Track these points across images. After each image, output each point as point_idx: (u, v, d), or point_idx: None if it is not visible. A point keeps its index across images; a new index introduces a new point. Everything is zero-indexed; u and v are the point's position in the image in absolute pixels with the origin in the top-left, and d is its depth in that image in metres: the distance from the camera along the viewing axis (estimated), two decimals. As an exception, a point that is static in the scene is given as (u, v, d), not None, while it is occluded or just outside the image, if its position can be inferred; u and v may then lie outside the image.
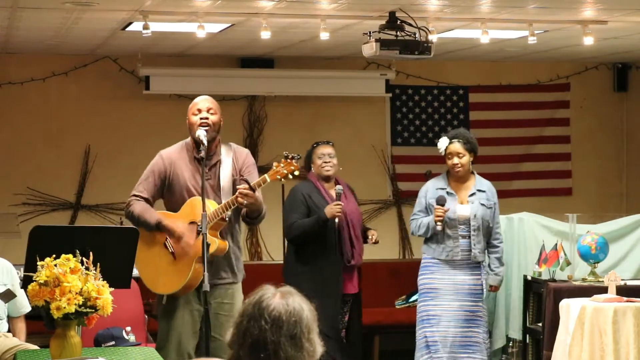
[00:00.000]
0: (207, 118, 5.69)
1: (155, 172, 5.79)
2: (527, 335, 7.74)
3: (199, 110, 5.72)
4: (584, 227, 7.73)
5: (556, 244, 7.40)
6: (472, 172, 7.28)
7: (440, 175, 7.32)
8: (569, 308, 6.90)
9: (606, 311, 6.72)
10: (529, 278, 7.67)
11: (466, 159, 7.15)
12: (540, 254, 7.45)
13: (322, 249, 7.13)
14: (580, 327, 6.76)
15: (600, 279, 7.21)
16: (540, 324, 7.46)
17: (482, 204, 7.16)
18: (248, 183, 5.47)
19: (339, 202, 7.02)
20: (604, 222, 7.97)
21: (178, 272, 5.63)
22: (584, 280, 7.38)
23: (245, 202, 5.48)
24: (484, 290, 7.20)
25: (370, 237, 7.35)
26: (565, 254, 7.42)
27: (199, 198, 5.59)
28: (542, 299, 7.43)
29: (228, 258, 5.73)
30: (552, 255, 7.36)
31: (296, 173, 5.53)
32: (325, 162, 7.26)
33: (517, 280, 7.85)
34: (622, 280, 6.98)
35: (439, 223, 7.01)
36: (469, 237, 7.11)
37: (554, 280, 7.40)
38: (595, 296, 6.91)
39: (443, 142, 7.21)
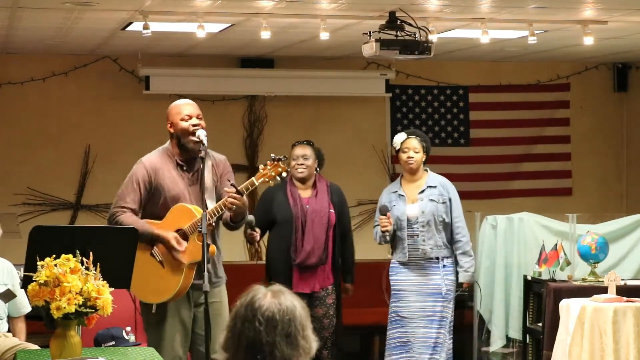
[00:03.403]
0: (198, 125, 5.60)
1: (140, 181, 5.63)
2: (527, 335, 7.73)
3: (189, 117, 5.62)
4: (584, 227, 7.73)
5: (556, 244, 7.40)
6: (426, 170, 7.39)
7: (396, 179, 7.49)
8: (569, 308, 6.90)
9: (606, 311, 6.71)
10: (529, 278, 7.66)
11: (420, 155, 7.29)
12: (540, 254, 7.44)
13: (277, 248, 7.12)
14: (580, 327, 6.76)
15: (600, 279, 7.20)
16: (540, 324, 7.45)
17: (432, 200, 7.23)
18: (236, 187, 5.44)
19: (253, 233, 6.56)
20: (604, 222, 7.96)
21: (169, 280, 5.56)
22: (584, 280, 7.38)
23: (234, 206, 5.47)
24: (449, 290, 7.20)
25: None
26: (565, 254, 7.41)
27: (183, 205, 5.55)
28: (542, 299, 7.42)
29: (214, 261, 5.66)
30: (552, 255, 7.35)
31: (284, 175, 5.49)
32: (298, 164, 7.15)
33: (517, 280, 7.84)
34: (622, 280, 6.98)
35: (386, 232, 7.15)
36: (418, 235, 7.16)
37: (554, 280, 7.40)
38: (595, 296, 6.90)
39: (400, 137, 7.34)
